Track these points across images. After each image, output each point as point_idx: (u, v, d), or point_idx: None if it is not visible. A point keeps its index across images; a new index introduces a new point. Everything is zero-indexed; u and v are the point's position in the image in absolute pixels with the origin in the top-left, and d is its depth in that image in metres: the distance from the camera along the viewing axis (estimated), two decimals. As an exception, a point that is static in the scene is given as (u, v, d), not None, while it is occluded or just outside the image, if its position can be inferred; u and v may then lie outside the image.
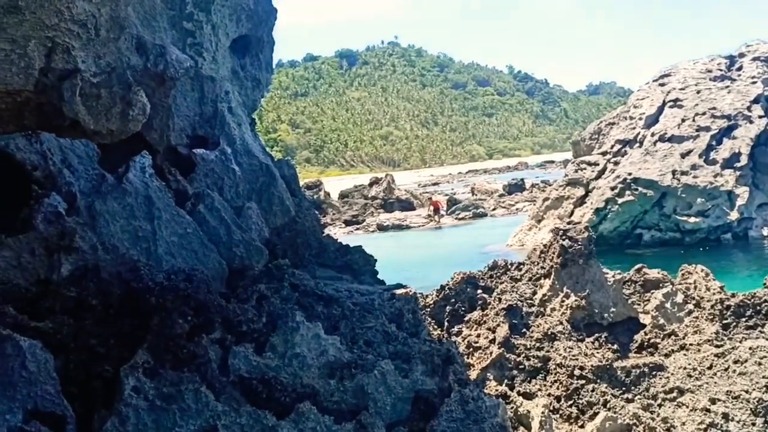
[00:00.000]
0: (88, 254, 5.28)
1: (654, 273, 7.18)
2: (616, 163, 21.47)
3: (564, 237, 6.65)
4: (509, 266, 7.13)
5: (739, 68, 22.67)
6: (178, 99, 7.92)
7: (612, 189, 20.08)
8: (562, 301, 6.51)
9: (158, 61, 7.07)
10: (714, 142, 20.16)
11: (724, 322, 6.40)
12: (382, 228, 36.42)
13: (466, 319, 6.68)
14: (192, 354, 4.83)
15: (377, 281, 9.15)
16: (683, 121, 20.79)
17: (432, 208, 34.82)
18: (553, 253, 6.75)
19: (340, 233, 37.25)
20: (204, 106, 8.19)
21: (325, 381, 5.17)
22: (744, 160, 19.52)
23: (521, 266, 7.08)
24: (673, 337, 6.31)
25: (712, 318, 6.45)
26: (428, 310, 6.85)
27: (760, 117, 20.51)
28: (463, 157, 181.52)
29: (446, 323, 6.72)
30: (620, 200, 19.82)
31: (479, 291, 6.91)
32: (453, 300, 6.88)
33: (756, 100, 20.96)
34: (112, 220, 5.76)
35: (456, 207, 38.08)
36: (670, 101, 21.85)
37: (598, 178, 21.76)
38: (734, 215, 18.87)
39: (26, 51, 4.94)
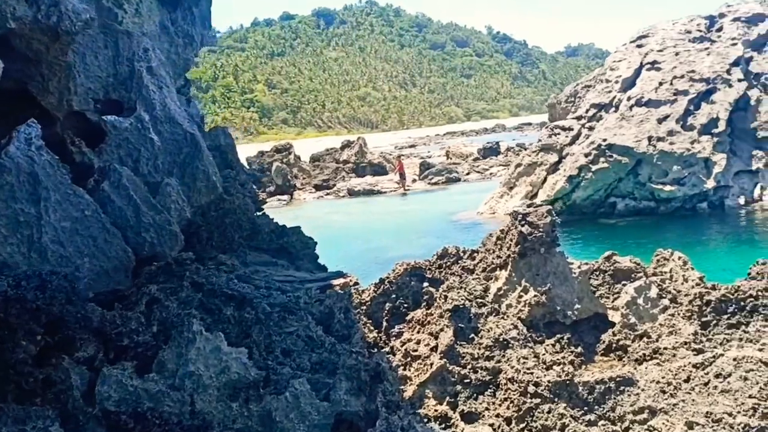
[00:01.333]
0: None
1: (626, 261, 6.26)
2: (590, 129, 20.56)
3: (523, 222, 5.69)
4: (461, 254, 6.18)
5: (719, 29, 21.71)
6: (88, 57, 6.72)
7: (586, 156, 19.20)
8: (520, 297, 5.60)
9: (50, 12, 5.93)
10: (692, 107, 19.30)
11: (704, 320, 5.54)
12: (352, 193, 35.40)
13: (408, 318, 5.74)
14: (45, 381, 3.81)
15: (317, 266, 8.15)
16: (660, 84, 19.86)
17: (397, 172, 33.51)
18: (511, 240, 5.81)
19: (309, 198, 36.18)
20: (119, 65, 6.99)
21: (225, 405, 4.19)
22: (722, 126, 18.70)
23: (474, 254, 6.14)
24: (645, 339, 5.45)
25: (690, 316, 5.58)
26: (365, 307, 5.89)
27: (740, 80, 19.65)
28: (441, 119, 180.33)
29: (385, 323, 5.78)
30: (594, 167, 18.97)
31: (425, 284, 5.97)
32: (394, 296, 5.93)
33: (736, 63, 20.07)
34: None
35: (429, 171, 37.11)
36: (647, 64, 20.88)
37: (572, 143, 20.85)
38: (711, 183, 18.13)
39: None
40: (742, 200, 18.56)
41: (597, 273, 6.16)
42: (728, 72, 19.67)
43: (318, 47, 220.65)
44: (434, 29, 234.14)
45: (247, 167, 40.99)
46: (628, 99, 20.02)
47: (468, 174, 38.33)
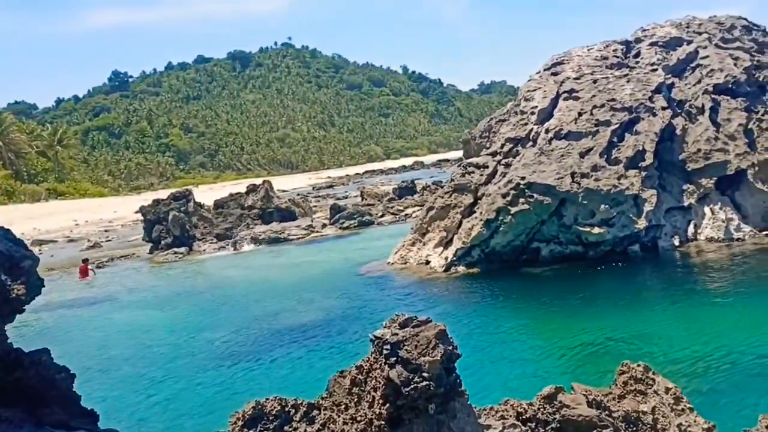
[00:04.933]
0: None
1: (578, 399, 3.57)
2: (507, 165, 18.35)
3: (394, 359, 2.91)
4: (290, 413, 3.33)
5: (637, 54, 20.18)
6: None
7: (503, 196, 16.89)
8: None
9: None
10: (615, 138, 17.41)
11: None
12: (256, 242, 32.09)
13: None
14: None
15: (74, 414, 4.93)
16: (580, 114, 17.95)
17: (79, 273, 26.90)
18: (374, 391, 3.00)
19: (210, 248, 32.62)
20: None
21: None
22: (649, 158, 16.85)
23: (314, 414, 3.28)
24: None
25: None
26: None
27: (663, 108, 17.98)
28: (361, 158, 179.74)
29: None
30: (513, 209, 16.66)
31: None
32: None
33: (657, 90, 18.43)
34: None
35: (340, 215, 34.31)
36: (564, 92, 19.00)
37: (487, 183, 18.56)
38: (642, 223, 16.11)
39: None
40: (676, 240, 16.65)
41: (533, 428, 3.43)
42: (651, 100, 17.97)
43: (235, 90, 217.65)
44: (351, 70, 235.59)
45: (141, 218, 37.03)
46: (546, 132, 17.98)
47: (382, 216, 35.77)
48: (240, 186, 66.63)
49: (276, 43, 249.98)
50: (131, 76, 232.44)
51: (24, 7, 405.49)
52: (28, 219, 66.66)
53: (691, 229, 17.12)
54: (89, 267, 27.33)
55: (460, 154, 39.72)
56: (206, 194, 74.52)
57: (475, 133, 23.57)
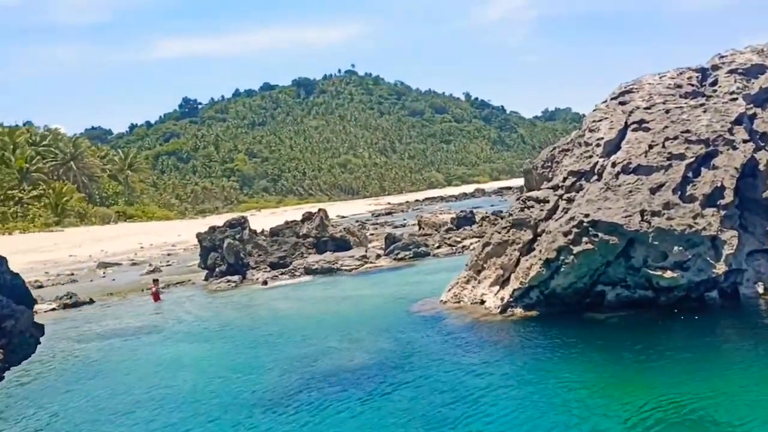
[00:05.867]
0: None
1: None
2: (569, 201, 17.11)
3: None
4: None
5: (714, 83, 18.67)
6: None
7: (565, 234, 15.66)
8: None
9: None
10: (690, 174, 15.96)
11: None
12: (309, 272, 31.58)
13: None
14: None
15: None
16: (651, 147, 16.58)
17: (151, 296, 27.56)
18: None
19: (263, 277, 32.30)
20: None
21: None
22: (729, 196, 15.32)
23: None
24: None
25: None
26: None
27: (745, 141, 16.42)
28: (422, 184, 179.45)
29: None
30: (576, 249, 15.39)
31: None
32: None
33: (738, 121, 16.90)
34: None
35: (395, 246, 33.45)
36: (633, 123, 17.67)
37: (548, 218, 17.36)
38: (721, 267, 14.57)
39: None
40: (760, 288, 15.02)
41: None
42: (730, 132, 16.46)
43: (298, 116, 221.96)
44: (413, 96, 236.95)
45: (198, 245, 37.17)
46: (613, 165, 16.69)
47: (438, 247, 34.72)
48: (301, 210, 66.96)
49: (339, 71, 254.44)
50: (200, 103, 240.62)
51: (101, 37, 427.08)
52: (97, 241, 68.70)
53: (777, 274, 15.44)
54: (159, 290, 27.92)
55: (521, 181, 38.58)
56: (268, 219, 75.29)
57: (536, 163, 22.32)
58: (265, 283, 30.17)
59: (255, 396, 12.55)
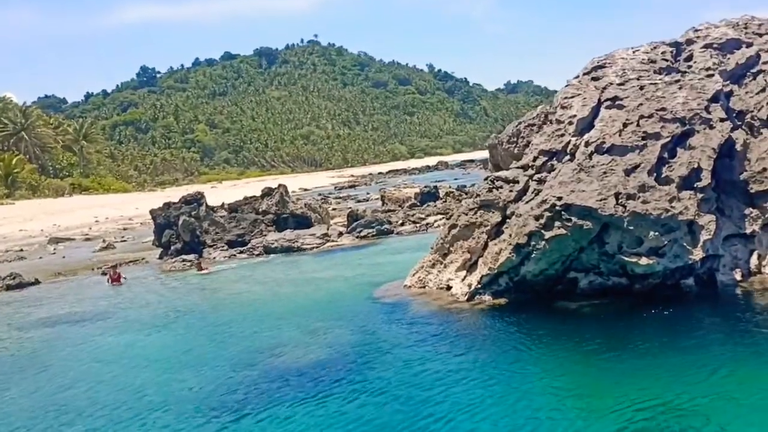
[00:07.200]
0: None
1: None
2: (540, 182, 16.24)
3: None
4: None
5: (689, 58, 17.89)
6: None
7: (536, 218, 14.80)
8: None
9: None
10: (666, 154, 15.21)
11: None
12: (269, 251, 30.33)
13: None
14: None
15: None
16: (625, 126, 15.76)
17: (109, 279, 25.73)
18: None
19: (220, 257, 31.01)
20: None
21: None
22: (706, 177, 14.62)
23: None
24: None
25: None
26: None
27: (722, 120, 15.71)
28: (385, 156, 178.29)
29: None
30: (547, 234, 14.55)
31: None
32: None
33: (715, 99, 16.16)
34: None
35: (357, 224, 32.41)
36: (606, 100, 16.81)
37: (517, 200, 16.49)
38: (698, 254, 13.91)
39: None
40: (737, 274, 14.44)
41: None
42: (707, 110, 15.71)
43: (260, 86, 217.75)
44: (376, 67, 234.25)
45: (152, 221, 35.49)
46: (586, 145, 15.83)
47: (402, 225, 33.79)
48: (264, 183, 65.13)
49: (302, 41, 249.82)
50: (159, 72, 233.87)
51: (55, 3, 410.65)
52: (49, 215, 65.88)
53: (754, 260, 14.86)
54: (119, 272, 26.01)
55: (485, 154, 37.76)
56: (229, 192, 73.26)
57: (502, 138, 21.41)
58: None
59: (197, 397, 11.46)
